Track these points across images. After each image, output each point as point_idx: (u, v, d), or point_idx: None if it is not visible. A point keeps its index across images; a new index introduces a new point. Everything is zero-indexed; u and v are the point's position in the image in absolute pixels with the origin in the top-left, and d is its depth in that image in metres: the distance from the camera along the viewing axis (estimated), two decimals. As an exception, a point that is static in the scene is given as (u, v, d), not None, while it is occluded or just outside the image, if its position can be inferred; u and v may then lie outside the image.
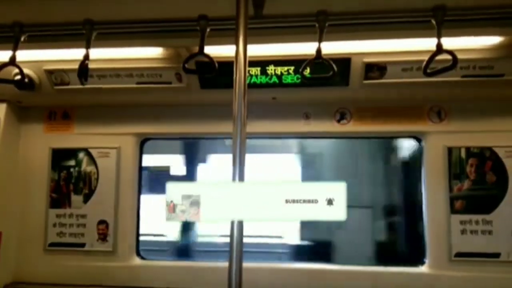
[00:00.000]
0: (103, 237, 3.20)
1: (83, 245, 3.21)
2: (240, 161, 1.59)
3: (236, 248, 1.55)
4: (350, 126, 3.09)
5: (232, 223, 1.56)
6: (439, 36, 1.96)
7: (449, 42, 2.01)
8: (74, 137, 3.31)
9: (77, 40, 2.21)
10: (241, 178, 1.57)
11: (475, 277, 2.87)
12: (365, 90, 2.84)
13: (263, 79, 2.84)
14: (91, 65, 2.23)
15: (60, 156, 3.31)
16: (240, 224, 1.56)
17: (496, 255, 2.88)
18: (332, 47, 2.36)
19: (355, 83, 2.79)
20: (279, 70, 2.81)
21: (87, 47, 2.16)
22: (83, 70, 2.16)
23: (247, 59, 1.71)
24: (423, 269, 2.99)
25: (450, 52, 1.97)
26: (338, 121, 3.11)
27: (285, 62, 2.76)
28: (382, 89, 2.83)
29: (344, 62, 2.68)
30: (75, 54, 2.29)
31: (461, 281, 2.88)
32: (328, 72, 2.12)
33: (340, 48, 2.56)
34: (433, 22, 1.98)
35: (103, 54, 2.63)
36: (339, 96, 2.99)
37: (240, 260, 1.55)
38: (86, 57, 2.16)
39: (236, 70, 1.68)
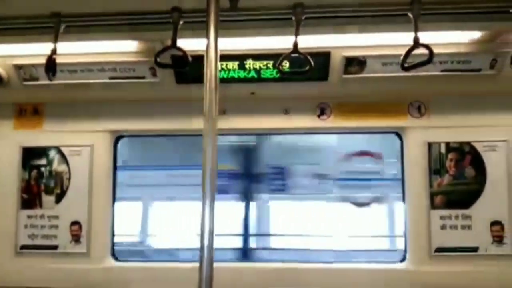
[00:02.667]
0: (76, 238, 3.09)
1: (56, 247, 3.10)
2: (212, 159, 1.53)
3: (207, 248, 1.51)
4: (331, 122, 3.05)
5: (203, 222, 1.50)
6: (416, 30, 1.94)
7: (427, 37, 2.00)
8: (45, 134, 3.18)
9: (46, 34, 2.12)
10: (213, 177, 1.51)
11: (454, 272, 2.89)
12: (345, 85, 2.81)
13: (241, 74, 2.78)
14: (61, 60, 2.15)
15: (30, 155, 3.18)
16: (211, 222, 1.51)
17: (475, 249, 2.90)
18: (311, 41, 2.32)
19: (335, 77, 2.75)
20: (257, 64, 2.75)
21: (55, 41, 2.07)
22: (51, 65, 2.06)
23: (218, 53, 1.66)
24: (403, 265, 2.98)
25: (426, 46, 1.95)
26: (319, 116, 3.07)
27: (264, 56, 2.70)
28: (362, 84, 2.80)
29: (323, 56, 2.64)
30: (45, 48, 2.19)
31: (441, 276, 2.89)
32: (306, 67, 2.07)
33: (320, 42, 2.52)
34: (410, 15, 1.96)
35: (74, 48, 2.53)
36: (319, 91, 2.95)
37: (211, 260, 1.51)
38: (54, 51, 2.07)
39: (207, 64, 1.62)
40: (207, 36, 1.66)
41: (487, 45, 2.55)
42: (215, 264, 1.52)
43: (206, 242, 1.51)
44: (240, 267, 3.14)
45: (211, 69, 1.62)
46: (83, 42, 2.47)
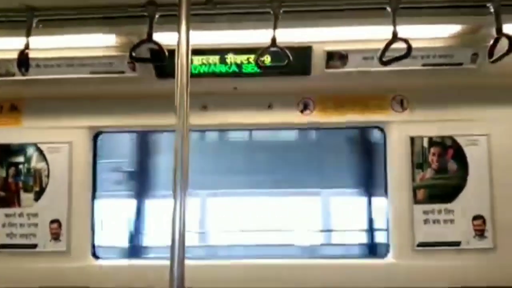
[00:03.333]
0: (56, 236, 3.03)
1: (35, 246, 3.04)
2: (183, 156, 1.50)
3: (178, 245, 1.49)
4: (314, 116, 3.04)
5: (174, 219, 1.47)
6: (394, 24, 1.93)
7: (408, 31, 2.00)
8: (23, 131, 3.12)
9: (21, 28, 2.06)
10: (185, 174, 1.48)
11: (437, 266, 2.90)
12: (327, 79, 2.80)
13: (223, 68, 2.75)
14: (38, 55, 2.11)
15: (8, 152, 3.11)
16: (182, 220, 1.49)
17: (457, 243, 2.91)
18: (292, 36, 2.30)
19: (317, 72, 2.74)
20: (238, 59, 2.72)
21: (27, 35, 2.02)
22: (23, 60, 2.01)
23: (190, 47, 1.63)
24: (386, 259, 2.99)
25: (404, 40, 1.94)
26: (302, 111, 3.05)
27: (245, 50, 2.68)
28: (344, 78, 2.79)
29: (305, 51, 2.62)
30: (21, 43, 2.13)
31: (424, 270, 2.90)
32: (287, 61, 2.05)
33: (300, 37, 2.49)
34: (389, 9, 1.94)
35: (49, 43, 2.47)
36: (302, 85, 2.93)
37: (183, 257, 1.49)
38: (27, 46, 2.02)
39: (178, 58, 1.58)
40: (178, 30, 1.63)
41: (467, 39, 2.56)
42: (186, 261, 1.49)
43: (177, 239, 1.49)
44: (213, 264, 3.13)
45: (182, 63, 1.59)
46: (58, 37, 2.42)
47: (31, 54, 2.10)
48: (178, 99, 1.57)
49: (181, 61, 1.59)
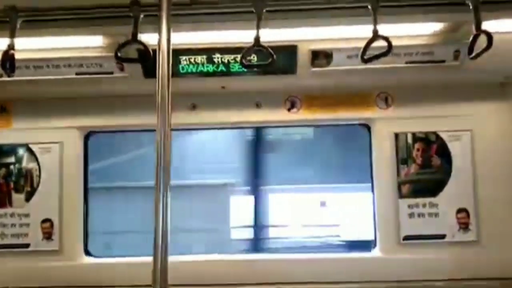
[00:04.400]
0: (48, 236, 3.06)
1: (27, 245, 3.06)
2: (165, 154, 1.53)
3: (162, 242, 1.51)
4: (300, 114, 3.09)
5: (157, 217, 1.51)
6: (375, 22, 1.97)
7: (390, 29, 2.02)
8: (13, 132, 3.13)
9: (6, 29, 2.07)
10: (166, 172, 1.52)
11: (423, 259, 2.96)
12: (313, 78, 2.84)
13: (210, 68, 2.78)
14: (26, 56, 2.11)
15: None
16: (165, 216, 1.52)
17: (442, 236, 2.98)
18: (278, 35, 2.34)
19: (303, 70, 2.78)
20: (225, 58, 2.75)
21: (12, 36, 2.01)
22: (7, 61, 2.01)
23: (171, 46, 1.65)
24: (373, 253, 3.05)
25: (385, 38, 1.98)
26: (289, 109, 3.10)
27: (232, 50, 2.70)
28: (329, 77, 2.84)
29: (290, 49, 2.66)
30: (5, 43, 2.14)
31: (410, 263, 2.96)
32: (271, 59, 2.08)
33: (285, 36, 2.53)
34: (369, 7, 1.99)
35: (35, 43, 2.48)
36: (288, 84, 2.98)
37: (166, 253, 1.52)
38: (11, 46, 2.01)
39: (159, 58, 1.61)
40: (159, 30, 1.65)
41: (449, 36, 2.60)
42: (170, 258, 1.52)
43: (160, 236, 1.51)
44: (197, 260, 3.17)
45: (163, 63, 1.61)
46: (45, 38, 2.44)
47: (20, 56, 2.11)
48: (159, 99, 1.59)
49: (162, 60, 1.61)
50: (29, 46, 2.25)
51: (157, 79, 1.61)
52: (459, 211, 2.99)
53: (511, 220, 2.96)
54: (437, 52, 2.69)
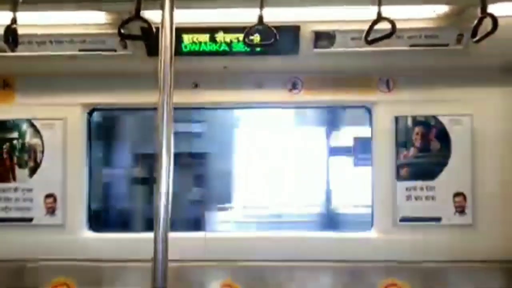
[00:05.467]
0: (51, 210, 3.12)
1: (30, 219, 3.12)
2: (167, 133, 1.55)
3: (163, 222, 1.53)
4: (302, 96, 3.09)
5: (159, 192, 1.53)
6: (379, 4, 1.95)
7: (395, 11, 2.02)
8: (16, 108, 3.15)
9: (8, 3, 2.06)
10: (169, 151, 1.54)
11: (418, 240, 3.02)
12: (315, 59, 2.84)
13: (213, 47, 2.77)
14: (29, 31, 2.09)
15: (2, 128, 3.15)
16: (167, 192, 1.54)
17: (438, 219, 3.03)
18: (281, 15, 2.33)
19: (305, 51, 2.77)
20: (228, 37, 2.74)
21: (14, 9, 1.99)
22: (10, 35, 2.01)
23: (174, 24, 1.64)
24: (370, 233, 3.10)
25: (389, 19, 1.97)
26: (290, 90, 3.11)
27: (234, 29, 2.69)
28: (332, 58, 2.84)
29: (293, 30, 2.65)
30: (7, 18, 2.14)
31: (406, 244, 3.02)
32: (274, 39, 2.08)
33: (288, 16, 2.52)
34: None
35: (39, 19, 2.47)
36: (290, 65, 2.98)
37: (166, 230, 1.54)
38: (14, 20, 2.00)
39: (162, 35, 1.61)
40: (162, 7, 1.64)
41: (453, 20, 2.59)
42: (170, 234, 1.55)
43: (162, 215, 1.53)
44: (195, 236, 3.23)
45: (166, 41, 1.61)
46: (47, 12, 2.43)
47: (23, 31, 2.11)
48: (162, 77, 1.60)
49: (165, 38, 1.61)
50: (32, 21, 2.24)
51: (159, 57, 1.61)
52: (456, 195, 3.03)
53: (507, 205, 3.00)
54: (441, 36, 2.68)
